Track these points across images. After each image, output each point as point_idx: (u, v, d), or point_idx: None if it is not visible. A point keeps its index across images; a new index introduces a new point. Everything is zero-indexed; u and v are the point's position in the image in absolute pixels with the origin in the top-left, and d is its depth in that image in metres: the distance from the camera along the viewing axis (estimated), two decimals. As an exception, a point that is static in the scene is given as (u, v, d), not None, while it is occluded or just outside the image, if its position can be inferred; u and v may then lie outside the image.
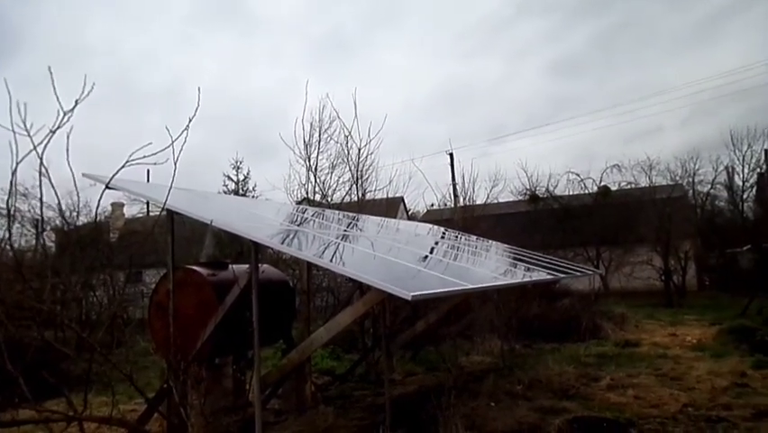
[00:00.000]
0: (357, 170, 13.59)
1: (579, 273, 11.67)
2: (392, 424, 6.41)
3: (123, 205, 26.24)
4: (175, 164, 2.62)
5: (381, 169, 15.05)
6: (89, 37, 54.12)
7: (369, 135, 13.59)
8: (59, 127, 2.97)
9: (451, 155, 28.69)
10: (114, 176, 2.85)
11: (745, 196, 24.74)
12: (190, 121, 2.70)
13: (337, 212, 11.49)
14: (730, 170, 24.92)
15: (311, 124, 13.91)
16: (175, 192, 6.67)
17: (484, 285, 5.66)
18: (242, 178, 24.31)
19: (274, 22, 62.42)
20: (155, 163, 2.65)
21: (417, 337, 8.65)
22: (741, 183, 24.63)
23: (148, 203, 24.53)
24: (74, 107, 2.90)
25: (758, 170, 23.91)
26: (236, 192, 23.60)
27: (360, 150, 13.58)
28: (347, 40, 63.22)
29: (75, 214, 15.22)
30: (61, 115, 2.90)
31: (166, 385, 5.36)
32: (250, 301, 5.05)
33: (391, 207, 20.56)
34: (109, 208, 26.05)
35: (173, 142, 2.63)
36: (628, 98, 68.26)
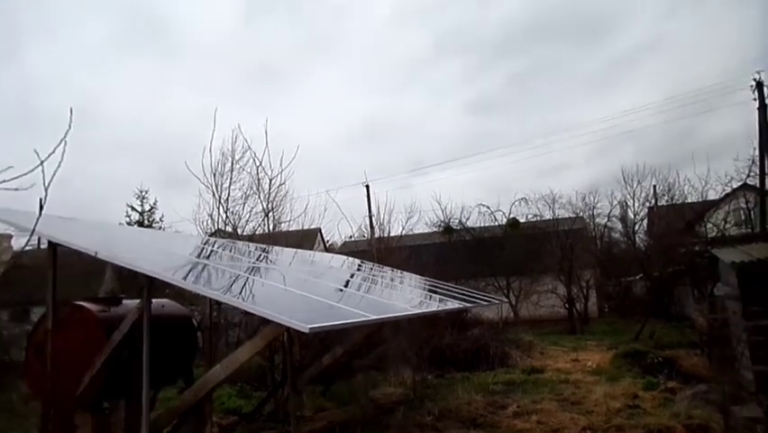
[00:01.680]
0: (268, 202, 13.28)
1: (486, 303, 12.02)
2: (297, 464, 6.17)
3: (10, 237, 23.96)
4: (46, 190, 2.39)
5: (297, 200, 14.75)
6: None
7: (281, 166, 13.34)
8: None
9: (367, 187, 28.89)
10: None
11: (636, 228, 26.77)
12: (61, 142, 2.49)
13: (249, 244, 11.15)
14: (624, 204, 26.93)
15: (223, 154, 13.49)
16: (59, 222, 6.21)
17: (386, 316, 5.66)
18: (147, 208, 23.04)
19: (198, 49, 61.00)
20: (17, 189, 2.42)
21: (326, 371, 8.48)
22: (633, 216, 26.67)
23: (39, 236, 22.61)
24: None
25: (647, 204, 26.00)
26: (140, 223, 22.31)
27: (271, 180, 13.32)
28: (272, 70, 62.92)
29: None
30: None
31: (41, 435, 4.85)
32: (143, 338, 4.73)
33: (308, 239, 20.29)
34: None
35: (42, 162, 2.41)
36: (539, 136, 72.79)
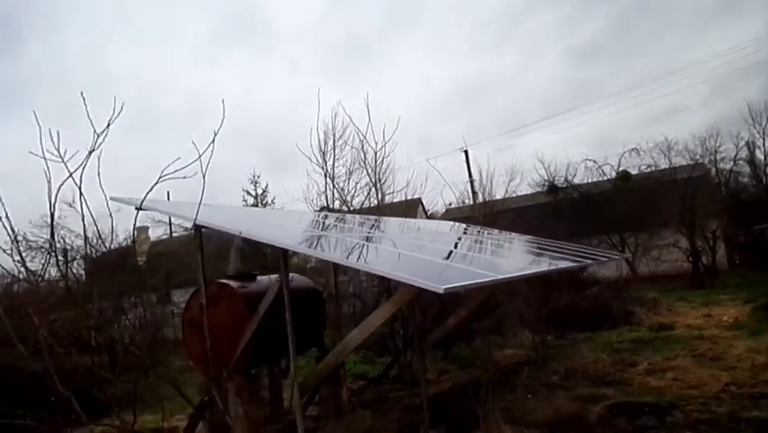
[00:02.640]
0: (375, 174, 13.60)
1: (605, 259, 11.55)
2: (431, 422, 6.41)
3: (147, 228, 26.63)
4: (204, 177, 2.69)
5: (398, 171, 15.00)
6: (110, 63, 55.19)
7: (384, 138, 13.56)
8: (93, 150, 3.05)
9: (466, 152, 28.56)
10: (146, 196, 2.94)
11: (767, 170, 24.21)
12: (215, 134, 2.76)
13: (358, 216, 11.52)
14: (752, 144, 24.44)
15: (325, 132, 13.99)
16: (201, 208, 6.79)
17: (514, 275, 5.64)
18: (260, 192, 24.43)
19: (291, 33, 62.97)
20: (185, 177, 2.72)
21: (448, 335, 8.63)
22: (763, 158, 24.15)
23: (171, 225, 24.88)
24: (106, 129, 2.98)
25: (780, 142, 23.39)
26: (255, 206, 23.73)
27: (376, 153, 13.60)
28: (364, 45, 63.39)
29: (106, 240, 15.38)
30: (95, 137, 2.98)
31: (207, 397, 5.45)
32: (280, 310, 5.10)
33: (410, 209, 20.55)
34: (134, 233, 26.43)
35: (201, 155, 2.70)
36: (647, 81, 66.62)
